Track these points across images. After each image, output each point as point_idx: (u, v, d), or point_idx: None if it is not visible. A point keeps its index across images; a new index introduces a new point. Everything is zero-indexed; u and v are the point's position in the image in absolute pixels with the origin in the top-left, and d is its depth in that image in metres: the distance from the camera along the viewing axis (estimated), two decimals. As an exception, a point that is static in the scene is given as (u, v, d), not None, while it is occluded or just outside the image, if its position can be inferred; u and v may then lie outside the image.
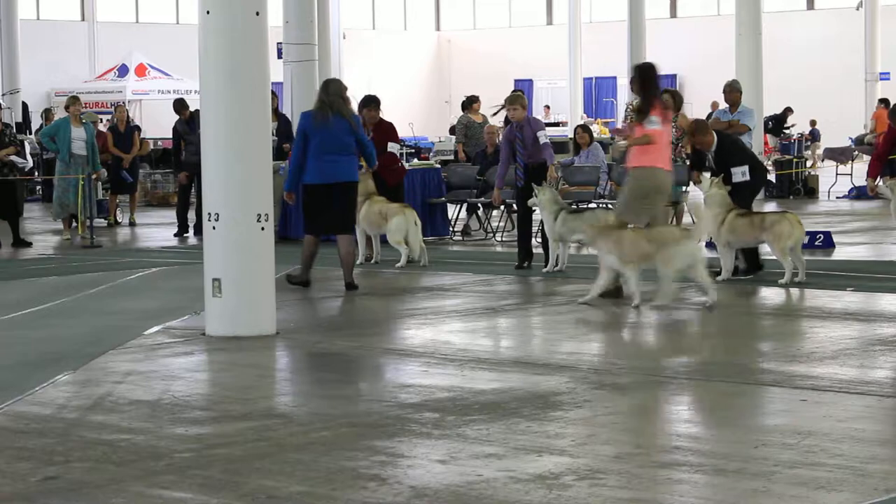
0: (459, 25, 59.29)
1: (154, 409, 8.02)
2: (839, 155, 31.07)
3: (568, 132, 35.62)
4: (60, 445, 7.10)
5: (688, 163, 16.12)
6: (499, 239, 19.35)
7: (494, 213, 20.15)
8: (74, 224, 20.63)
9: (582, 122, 30.61)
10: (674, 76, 51.29)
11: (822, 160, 34.79)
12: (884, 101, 35.89)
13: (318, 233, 13.51)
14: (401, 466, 6.62)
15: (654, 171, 12.70)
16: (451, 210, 20.64)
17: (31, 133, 35.23)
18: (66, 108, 21.04)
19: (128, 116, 26.31)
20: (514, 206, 16.15)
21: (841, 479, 6.19)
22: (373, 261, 16.00)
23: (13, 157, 19.75)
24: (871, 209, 23.27)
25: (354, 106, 15.44)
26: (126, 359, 9.76)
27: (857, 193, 25.95)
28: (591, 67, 50.53)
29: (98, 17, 48.63)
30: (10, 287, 14.62)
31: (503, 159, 15.41)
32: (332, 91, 13.38)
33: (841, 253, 16.47)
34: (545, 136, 15.10)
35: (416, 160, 26.62)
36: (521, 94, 16.23)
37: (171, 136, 22.04)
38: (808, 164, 31.61)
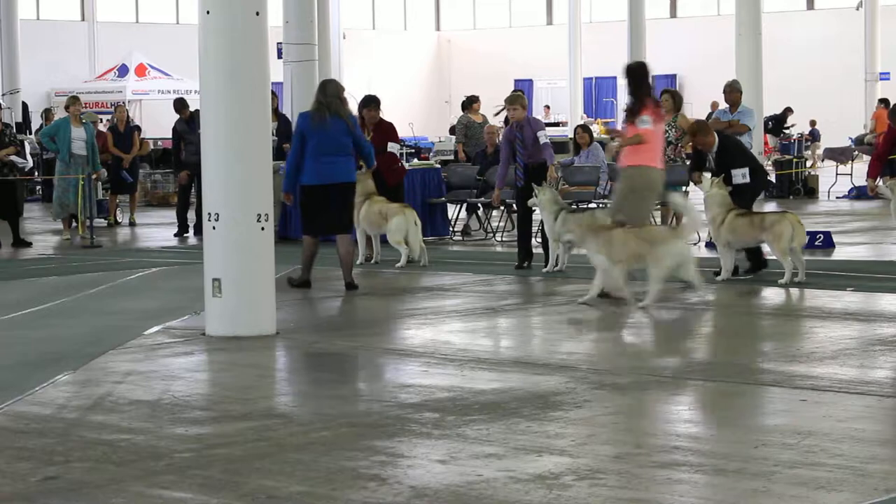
0: (459, 25, 59.29)
1: (154, 409, 8.02)
2: (839, 155, 31.08)
3: (568, 132, 35.63)
4: (60, 445, 7.10)
5: (688, 163, 16.14)
6: (499, 239, 19.35)
7: (494, 213, 20.15)
8: (74, 224, 20.63)
9: (582, 122, 30.61)
10: (674, 76, 51.33)
11: (822, 160, 34.80)
12: (884, 101, 35.90)
13: (316, 233, 13.52)
14: (401, 466, 6.62)
15: (647, 169, 12.75)
16: (451, 210, 20.64)
17: (31, 133, 35.23)
18: (66, 108, 21.05)
19: (128, 116, 26.31)
20: (514, 206, 16.15)
21: (841, 479, 6.19)
22: (373, 261, 16.00)
23: (13, 157, 19.75)
24: (871, 209, 23.27)
25: (354, 106, 15.45)
26: (126, 359, 9.76)
27: (857, 193, 25.95)
28: (591, 67, 50.53)
29: (98, 17, 48.64)
30: (10, 287, 14.63)
31: (503, 159, 15.41)
32: (330, 92, 13.39)
33: (841, 253, 16.47)
34: (545, 136, 15.10)
35: (416, 160, 26.62)
36: (521, 94, 16.23)
37: (170, 136, 22.03)
38: (808, 164, 31.61)
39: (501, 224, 19.88)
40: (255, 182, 10.67)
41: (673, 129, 18.01)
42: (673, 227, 12.16)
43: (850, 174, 28.59)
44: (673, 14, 54.68)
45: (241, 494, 6.12)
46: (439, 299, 13.10)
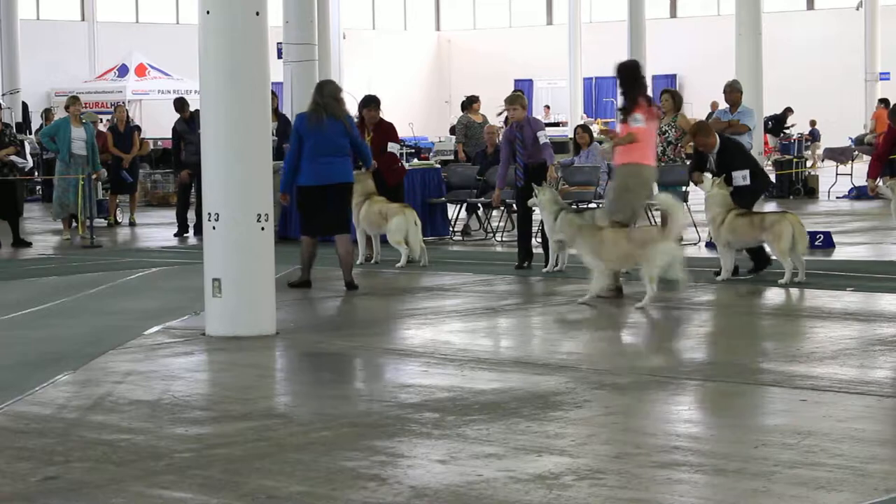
0: (459, 25, 59.30)
1: (154, 409, 8.02)
2: (839, 155, 31.07)
3: (568, 132, 35.64)
4: (60, 445, 7.10)
5: (688, 163, 16.13)
6: (499, 239, 19.35)
7: (494, 213, 20.15)
8: (74, 224, 20.63)
9: (582, 122, 30.60)
10: (674, 76, 51.36)
11: (822, 160, 34.79)
12: (884, 101, 35.91)
13: (314, 234, 13.53)
14: (401, 466, 6.62)
15: (640, 167, 12.79)
16: (451, 210, 20.64)
17: (31, 133, 35.23)
18: (66, 108, 21.05)
19: (127, 116, 26.31)
20: (514, 206, 16.15)
21: (841, 479, 6.19)
22: (373, 261, 16.00)
23: (13, 157, 19.75)
24: (871, 209, 23.27)
25: (354, 106, 15.45)
26: (126, 359, 9.76)
27: (857, 193, 25.95)
28: (591, 67, 50.52)
29: (98, 17, 48.65)
30: (10, 287, 14.63)
31: (503, 159, 15.42)
32: (327, 93, 13.39)
33: (841, 253, 16.46)
34: (545, 136, 15.10)
35: (416, 160, 26.62)
36: (520, 94, 16.23)
37: (170, 136, 22.03)
38: (808, 164, 31.61)
39: (501, 224, 19.88)
40: (255, 182, 10.67)
41: (673, 129, 18.02)
42: (661, 228, 12.15)
43: (850, 174, 28.58)
44: (673, 14, 54.69)
45: (241, 494, 6.12)
46: (439, 299, 13.10)
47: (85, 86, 40.85)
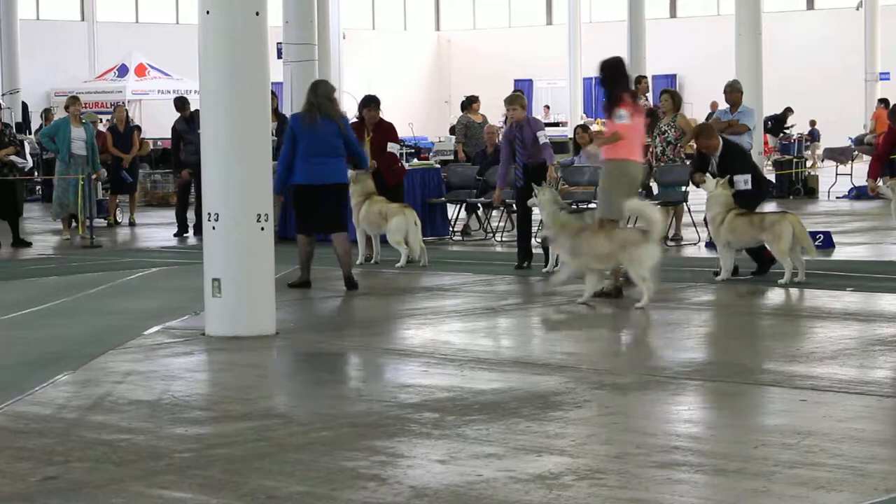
0: (459, 25, 59.30)
1: (154, 409, 8.02)
2: (839, 155, 31.07)
3: (568, 132, 35.64)
4: (60, 445, 7.10)
5: (688, 163, 16.13)
6: (499, 239, 19.35)
7: (494, 213, 20.15)
8: (74, 224, 20.63)
9: (582, 122, 30.61)
10: (674, 76, 51.36)
11: (822, 160, 34.79)
12: (884, 101, 35.92)
13: (310, 232, 13.53)
14: (401, 466, 6.62)
15: (627, 163, 12.78)
16: (451, 210, 20.64)
17: (30, 133, 35.23)
18: (66, 108, 21.05)
19: (127, 116, 26.31)
20: (514, 206, 16.15)
21: (841, 479, 6.19)
22: (373, 261, 16.00)
23: (13, 157, 19.76)
24: (871, 209, 23.27)
25: (354, 106, 15.44)
26: (126, 359, 9.76)
27: (857, 193, 25.95)
28: (591, 67, 50.18)
29: (98, 17, 48.65)
30: (10, 287, 14.63)
31: (503, 159, 15.42)
32: (321, 93, 13.37)
33: (841, 253, 16.46)
34: (545, 136, 15.11)
35: (415, 160, 26.62)
36: (520, 94, 16.24)
37: (170, 136, 22.02)
38: (808, 164, 31.61)
39: (501, 224, 19.89)
40: (255, 182, 10.67)
41: (672, 129, 18.02)
42: (643, 230, 12.15)
43: (850, 174, 28.58)
44: (673, 14, 54.69)
45: (241, 494, 6.12)
46: (439, 299, 13.10)
47: (85, 86, 40.85)
